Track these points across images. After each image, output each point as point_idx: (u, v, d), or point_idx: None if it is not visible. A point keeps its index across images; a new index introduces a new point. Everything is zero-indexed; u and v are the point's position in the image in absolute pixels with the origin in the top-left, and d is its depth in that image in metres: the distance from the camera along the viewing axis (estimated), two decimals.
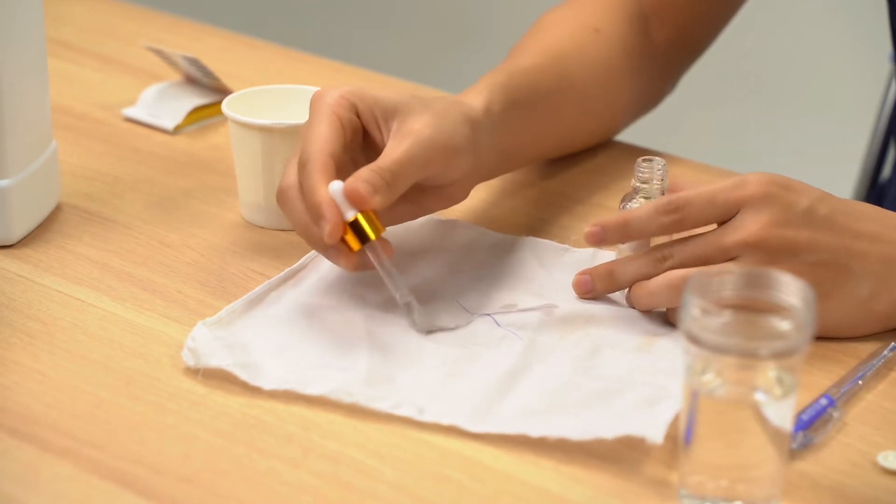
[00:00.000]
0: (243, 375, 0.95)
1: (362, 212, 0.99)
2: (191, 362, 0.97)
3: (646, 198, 1.05)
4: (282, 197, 1.02)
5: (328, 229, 0.98)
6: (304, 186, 0.99)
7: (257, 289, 1.05)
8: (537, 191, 1.22)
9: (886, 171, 1.69)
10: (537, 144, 1.19)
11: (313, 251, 1.10)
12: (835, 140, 2.49)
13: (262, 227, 1.16)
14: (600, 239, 1.01)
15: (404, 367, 0.97)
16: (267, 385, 0.95)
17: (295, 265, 1.09)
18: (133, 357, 0.99)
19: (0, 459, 0.89)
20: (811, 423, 0.92)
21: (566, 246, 1.13)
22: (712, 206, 0.99)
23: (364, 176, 0.98)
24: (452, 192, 1.06)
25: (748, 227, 0.97)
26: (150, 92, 1.37)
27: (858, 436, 0.92)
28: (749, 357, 0.81)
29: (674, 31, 1.25)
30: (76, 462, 0.89)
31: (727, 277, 0.84)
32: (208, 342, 0.98)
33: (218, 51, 1.49)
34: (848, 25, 2.55)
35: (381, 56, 2.84)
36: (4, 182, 1.11)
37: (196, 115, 1.34)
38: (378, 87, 1.05)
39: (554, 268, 1.10)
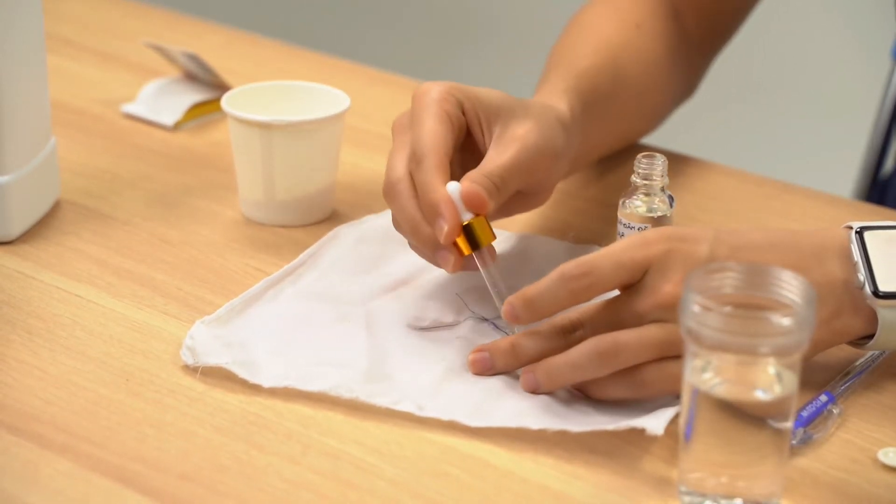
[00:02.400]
0: (242, 373, 0.95)
1: (476, 216, 0.98)
2: (189, 361, 0.97)
3: (646, 194, 1.05)
4: (391, 191, 0.99)
5: (447, 229, 0.96)
6: (419, 183, 0.97)
7: (256, 286, 1.05)
8: None
9: (888, 166, 1.69)
10: (605, 143, 1.19)
11: (312, 248, 1.10)
12: (835, 136, 2.49)
13: (262, 224, 1.16)
14: (514, 318, 0.95)
15: (404, 364, 0.97)
16: (266, 382, 0.95)
17: (294, 262, 1.08)
18: (132, 354, 0.99)
19: None
20: (811, 420, 0.92)
21: (566, 242, 1.13)
22: (621, 267, 0.93)
23: (477, 180, 0.97)
24: (539, 198, 1.05)
25: (659, 288, 0.93)
26: (150, 88, 1.37)
27: (859, 432, 0.92)
28: (749, 354, 0.81)
29: (704, 21, 1.26)
30: (75, 459, 0.89)
31: (728, 274, 0.84)
32: (207, 340, 0.98)
33: (217, 47, 1.49)
34: (848, 21, 2.55)
35: (382, 52, 2.84)
36: (4, 178, 1.11)
37: (195, 111, 1.34)
38: (475, 86, 1.03)
39: (554, 265, 1.09)
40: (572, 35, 1.21)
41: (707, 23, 1.26)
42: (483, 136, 1.02)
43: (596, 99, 1.13)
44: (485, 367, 0.96)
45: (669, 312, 0.92)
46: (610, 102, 1.16)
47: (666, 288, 0.92)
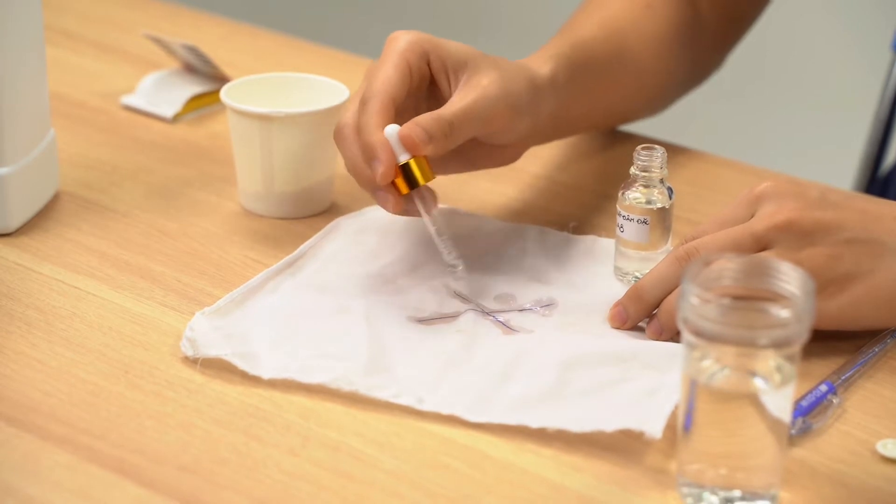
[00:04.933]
0: (242, 365, 0.95)
1: (415, 157, 1.00)
2: (189, 352, 0.97)
3: (645, 186, 1.05)
4: (338, 134, 1.03)
5: (381, 171, 0.99)
6: (361, 126, 1.01)
7: (256, 278, 1.05)
8: (537, 179, 1.22)
9: (889, 161, 1.69)
10: (592, 115, 1.20)
11: (311, 240, 1.10)
12: (835, 129, 2.49)
13: (261, 216, 1.16)
14: (623, 319, 1.00)
15: (404, 357, 0.97)
16: (266, 374, 0.95)
17: (294, 254, 1.08)
18: (131, 345, 0.99)
19: None
20: (811, 410, 0.92)
21: (565, 233, 1.13)
22: (727, 221, 0.99)
23: (422, 122, 1.00)
24: (505, 153, 1.08)
25: (775, 212, 0.97)
26: (149, 80, 1.37)
27: (858, 424, 0.92)
28: (748, 345, 0.81)
29: (721, 7, 1.26)
30: (75, 450, 0.89)
31: (727, 266, 0.84)
32: (207, 332, 0.98)
33: (217, 39, 1.49)
34: (848, 14, 2.55)
35: (382, 44, 2.83)
36: (3, 170, 1.11)
37: (195, 103, 1.34)
38: (448, 39, 1.06)
39: (553, 256, 1.10)
40: (583, 10, 1.23)
41: (722, 9, 1.26)
42: (449, 86, 1.05)
43: (589, 69, 1.14)
44: (621, 319, 1.00)
45: (786, 236, 0.95)
46: (605, 75, 1.17)
47: (781, 212, 0.96)
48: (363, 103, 1.01)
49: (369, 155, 1.00)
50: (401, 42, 1.04)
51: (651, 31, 1.21)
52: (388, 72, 1.02)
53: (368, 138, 1.00)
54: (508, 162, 1.09)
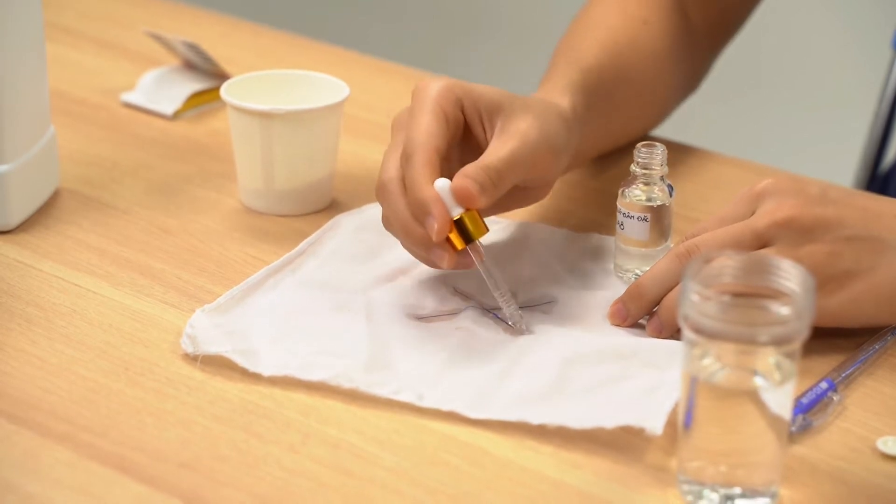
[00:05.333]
0: (242, 362, 0.95)
1: (467, 211, 0.97)
2: (190, 350, 0.97)
3: (646, 184, 1.05)
4: (382, 191, 0.99)
5: (437, 227, 0.96)
6: (408, 181, 0.97)
7: (256, 274, 1.05)
8: None
9: (889, 159, 1.69)
10: (604, 141, 1.19)
11: (312, 237, 1.10)
12: (835, 127, 2.49)
13: (261, 213, 1.16)
14: (623, 317, 1.00)
15: (404, 354, 0.97)
16: (266, 371, 0.95)
17: (294, 251, 1.08)
18: (132, 343, 0.99)
19: None
20: (811, 407, 0.92)
21: (565, 230, 1.13)
22: (726, 218, 0.98)
23: (472, 174, 0.97)
24: (538, 193, 1.05)
25: (776, 210, 0.97)
26: (149, 77, 1.37)
27: (858, 421, 0.92)
28: (748, 343, 0.81)
29: (710, 15, 1.26)
30: (75, 447, 0.89)
31: (727, 263, 0.84)
32: (207, 329, 0.98)
33: (217, 36, 1.49)
34: (848, 11, 2.55)
35: (382, 42, 2.83)
36: (3, 167, 1.11)
37: (195, 100, 1.34)
38: (475, 83, 1.03)
39: (553, 253, 1.10)
40: (578, 30, 1.21)
41: (713, 17, 1.26)
42: (484, 132, 1.02)
43: (600, 96, 1.13)
44: (621, 316, 1.00)
45: (786, 232, 0.95)
46: (613, 99, 1.16)
47: (781, 209, 0.96)
48: (407, 158, 0.98)
49: (421, 211, 0.96)
50: (432, 90, 1.00)
51: (650, 49, 1.21)
52: (427, 122, 0.99)
53: (420, 194, 0.96)
54: (539, 200, 1.06)
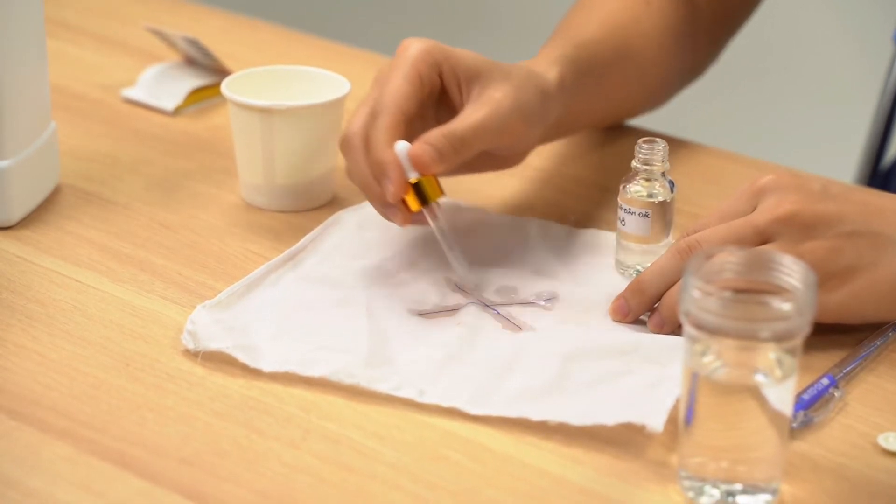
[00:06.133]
0: (243, 358, 0.95)
1: (425, 175, 0.99)
2: (191, 345, 0.97)
3: (647, 179, 1.05)
4: (346, 144, 1.02)
5: (392, 190, 0.98)
6: (371, 141, 1.00)
7: (257, 270, 1.05)
8: (537, 172, 1.22)
9: (890, 155, 1.68)
10: (595, 114, 1.20)
11: (313, 233, 1.10)
12: (836, 122, 2.49)
13: (262, 209, 1.16)
14: (625, 312, 1.00)
15: (405, 350, 0.97)
16: (267, 367, 0.95)
17: (294, 247, 1.08)
18: (132, 338, 0.99)
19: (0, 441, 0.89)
20: (812, 403, 0.92)
21: (567, 226, 1.13)
22: (727, 214, 0.98)
23: (433, 140, 0.99)
24: (510, 159, 1.07)
25: (777, 205, 0.97)
26: (150, 73, 1.36)
27: (859, 417, 0.92)
28: (749, 339, 0.81)
29: (717, 2, 1.26)
30: (76, 443, 0.89)
31: (728, 259, 0.84)
32: (208, 325, 0.98)
33: (218, 32, 1.48)
34: (849, 6, 2.54)
35: (383, 37, 2.83)
36: (3, 163, 1.11)
37: (196, 96, 1.34)
38: (460, 48, 1.04)
39: (554, 249, 1.10)
40: (578, 9, 1.22)
41: (718, 5, 1.26)
42: (461, 96, 1.04)
43: (593, 69, 1.13)
44: (623, 312, 1.00)
45: (787, 228, 0.95)
46: (609, 74, 1.16)
47: (782, 205, 0.96)
48: (373, 116, 1.00)
49: (379, 172, 0.99)
50: (412, 51, 1.02)
51: (651, 28, 1.21)
52: (399, 84, 1.01)
53: (379, 156, 0.99)
54: (512, 166, 1.09)
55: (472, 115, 1.01)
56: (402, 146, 0.99)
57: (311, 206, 1.16)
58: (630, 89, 1.21)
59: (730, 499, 0.84)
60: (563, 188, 1.19)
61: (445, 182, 1.16)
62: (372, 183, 1.00)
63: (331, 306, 1.02)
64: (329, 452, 0.88)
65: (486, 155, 1.05)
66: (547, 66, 1.09)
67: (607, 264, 1.08)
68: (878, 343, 0.98)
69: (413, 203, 1.00)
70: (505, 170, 1.09)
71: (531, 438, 0.90)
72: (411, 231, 1.09)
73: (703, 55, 1.28)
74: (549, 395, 0.92)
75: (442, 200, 1.14)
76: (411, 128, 1.01)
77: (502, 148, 1.05)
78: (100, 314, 1.01)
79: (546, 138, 1.12)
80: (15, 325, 1.00)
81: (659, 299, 0.99)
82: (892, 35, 1.67)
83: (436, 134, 0.99)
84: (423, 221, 1.02)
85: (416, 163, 0.99)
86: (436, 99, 1.05)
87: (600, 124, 1.24)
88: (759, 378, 0.83)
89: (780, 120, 2.62)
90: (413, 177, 0.99)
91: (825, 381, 0.93)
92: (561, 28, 1.19)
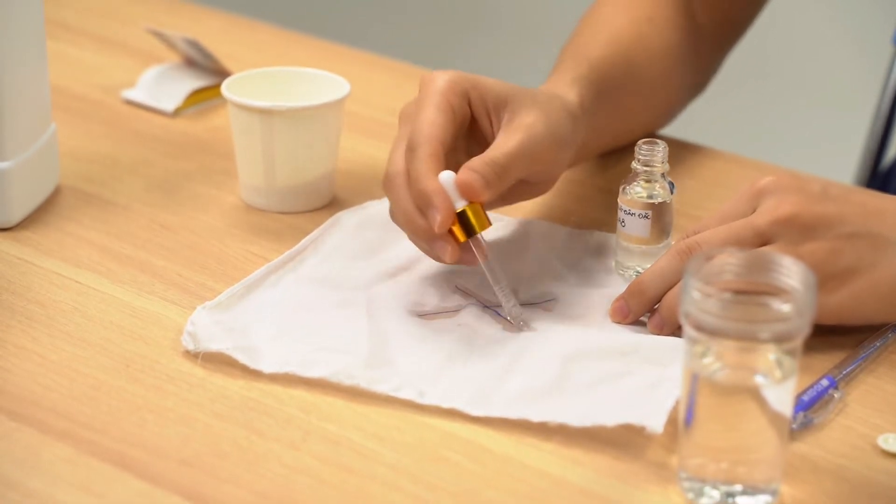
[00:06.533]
0: (243, 359, 0.95)
1: (471, 204, 0.98)
2: (191, 347, 0.97)
3: (647, 181, 1.05)
4: (389, 183, 1.00)
5: (440, 219, 0.96)
6: (412, 173, 0.97)
7: (257, 272, 1.05)
8: None
9: (889, 156, 1.69)
10: (609, 135, 1.19)
11: (313, 234, 1.10)
12: (836, 125, 2.49)
13: (262, 210, 1.16)
14: (625, 314, 1.00)
15: (405, 351, 0.97)
16: (267, 368, 0.95)
17: (295, 248, 1.08)
18: (132, 340, 0.99)
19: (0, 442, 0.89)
20: (812, 404, 0.92)
21: (567, 228, 1.13)
22: (727, 216, 0.98)
23: (477, 168, 0.97)
24: (541, 185, 1.05)
25: (777, 207, 0.96)
26: (150, 74, 1.36)
27: (859, 418, 0.92)
28: (749, 340, 0.81)
29: (716, 16, 1.26)
30: (76, 444, 0.89)
31: (728, 260, 0.84)
32: (208, 326, 0.98)
33: (218, 33, 1.49)
34: (849, 8, 2.55)
35: (383, 38, 2.83)
36: (4, 164, 1.11)
37: (196, 97, 1.34)
38: (483, 76, 1.03)
39: (554, 250, 1.10)
40: (585, 29, 1.21)
41: (719, 17, 1.26)
42: (491, 125, 1.02)
43: (607, 90, 1.13)
44: (623, 313, 1.00)
45: (787, 230, 0.95)
46: (620, 94, 1.16)
47: (782, 206, 0.96)
48: (411, 150, 0.98)
49: (425, 203, 0.97)
50: (439, 83, 1.01)
51: (656, 46, 1.21)
52: (432, 115, 0.99)
53: (423, 186, 0.96)
54: (543, 193, 1.06)
55: (507, 142, 0.99)
56: (446, 175, 0.97)
57: (311, 207, 1.16)
58: (638, 109, 1.21)
59: (730, 500, 0.84)
60: (563, 190, 1.19)
61: None
62: (417, 218, 0.98)
63: (331, 307, 1.02)
64: (329, 454, 0.89)
65: (521, 183, 1.03)
66: (566, 89, 1.08)
67: (607, 266, 1.08)
68: (878, 344, 0.98)
69: (460, 234, 0.98)
70: (537, 197, 1.07)
71: (531, 440, 0.90)
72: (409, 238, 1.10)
73: (706, 69, 1.28)
74: (549, 396, 0.92)
75: None
76: (446, 162, 0.99)
77: (538, 173, 1.03)
78: (100, 315, 1.01)
79: (572, 162, 1.11)
80: (15, 327, 1.00)
81: (659, 301, 0.99)
82: (892, 38, 1.67)
83: (478, 162, 0.98)
84: (469, 257, 0.99)
85: (466, 190, 0.97)
86: (466, 130, 1.03)
87: (615, 145, 1.22)
88: (759, 379, 0.83)
89: (779, 121, 2.62)
90: (460, 206, 0.97)
91: (825, 383, 0.93)
92: (570, 47, 1.18)
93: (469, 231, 0.98)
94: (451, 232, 0.98)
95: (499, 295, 1.00)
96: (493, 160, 0.98)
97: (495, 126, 1.02)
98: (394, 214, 1.01)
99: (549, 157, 1.02)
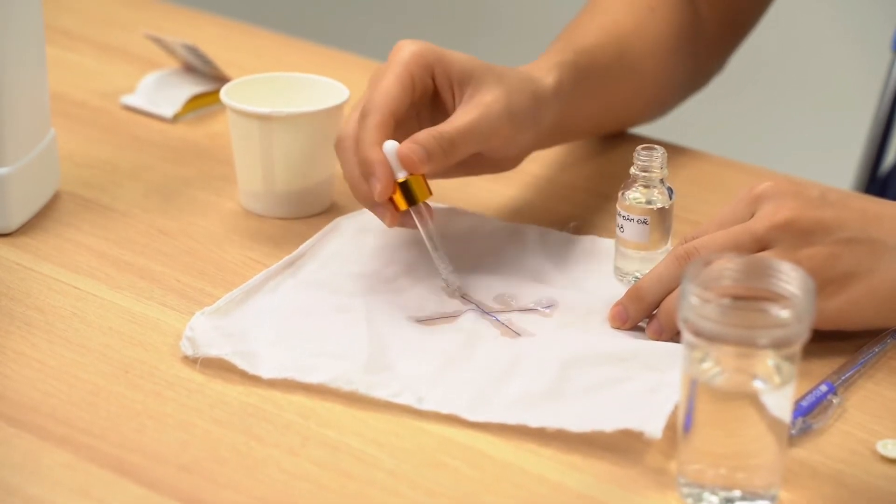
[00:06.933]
0: (242, 364, 0.95)
1: (413, 174, 1.00)
2: (189, 352, 0.97)
3: (645, 186, 1.05)
4: (338, 146, 1.03)
5: (378, 189, 0.99)
6: (359, 141, 1.00)
7: (256, 277, 1.05)
8: (537, 179, 1.22)
9: (888, 161, 1.69)
10: (593, 121, 1.20)
11: (312, 239, 1.10)
12: (835, 129, 2.49)
13: (261, 216, 1.16)
14: (623, 319, 1.00)
15: (404, 356, 0.97)
16: (266, 374, 0.95)
17: (293, 253, 1.08)
18: (131, 345, 0.99)
19: None
20: (811, 410, 0.92)
21: (565, 233, 1.13)
22: (726, 221, 0.99)
23: (421, 140, 1.00)
24: (504, 163, 1.08)
25: (775, 212, 0.97)
26: (149, 80, 1.37)
27: (858, 424, 0.92)
28: (748, 346, 0.81)
29: (721, 11, 1.26)
30: (75, 450, 0.89)
31: (727, 266, 0.84)
32: (207, 331, 0.98)
33: (217, 39, 1.49)
34: (848, 13, 2.55)
35: (382, 44, 2.83)
36: (3, 170, 1.11)
37: (195, 103, 1.34)
38: (453, 50, 1.05)
39: (553, 256, 1.10)
40: (584, 14, 1.22)
41: (724, 14, 1.26)
42: (453, 99, 1.04)
43: (593, 75, 1.14)
44: (621, 319, 1.00)
45: (785, 235, 0.95)
46: (609, 81, 1.16)
47: (780, 212, 0.96)
48: (363, 116, 1.01)
49: (367, 171, 1.00)
50: (405, 53, 1.03)
51: (653, 35, 1.21)
52: (389, 84, 1.01)
53: (366, 154, 1.00)
54: (507, 169, 1.09)
55: (461, 118, 1.02)
56: (390, 145, 1.00)
57: (309, 212, 1.16)
58: (629, 97, 1.21)
59: None
60: (561, 195, 1.19)
61: (445, 187, 1.16)
62: (360, 183, 1.01)
63: (330, 313, 1.02)
64: (328, 459, 0.89)
65: (479, 157, 1.05)
66: (545, 71, 1.09)
67: (606, 271, 1.08)
68: (877, 350, 0.98)
69: (401, 202, 1.01)
70: (499, 173, 1.10)
71: (530, 445, 0.90)
72: (410, 237, 1.10)
73: (706, 64, 1.29)
74: (547, 401, 0.92)
75: (441, 206, 1.14)
76: (404, 129, 1.02)
77: (493, 151, 1.05)
78: (99, 321, 1.01)
79: (542, 143, 1.13)
80: (14, 332, 1.00)
81: (657, 306, 0.99)
82: (891, 43, 1.67)
83: (425, 134, 1.00)
84: (411, 223, 1.03)
85: (405, 161, 1.00)
86: (429, 101, 1.05)
87: (600, 132, 1.24)
88: (758, 385, 0.83)
89: (778, 126, 2.62)
90: (401, 176, 1.00)
91: (824, 388, 0.93)
92: (564, 33, 1.19)
93: (410, 200, 1.01)
94: (391, 199, 1.01)
95: (436, 262, 1.02)
96: (440, 134, 1.00)
97: (457, 100, 1.04)
98: (344, 176, 1.04)
99: (504, 135, 1.04)
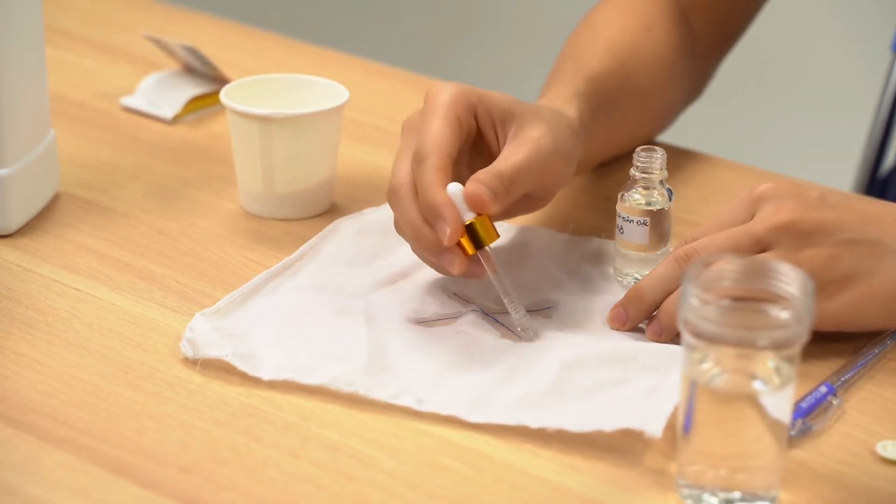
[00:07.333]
0: (242, 365, 0.95)
1: (478, 216, 0.97)
2: (189, 353, 0.97)
3: (645, 188, 1.05)
4: (394, 195, 0.99)
5: (449, 232, 0.95)
6: (420, 185, 0.97)
7: (256, 278, 1.05)
8: None
9: (888, 162, 1.69)
10: (605, 149, 1.19)
11: (312, 241, 1.10)
12: (835, 130, 2.49)
13: (261, 217, 1.16)
14: (623, 320, 1.00)
15: (404, 357, 0.97)
16: (266, 375, 0.95)
17: (293, 255, 1.08)
18: (131, 346, 0.99)
19: None
20: (810, 411, 0.92)
21: (565, 234, 1.13)
22: (726, 222, 0.98)
23: (484, 180, 0.97)
24: (542, 200, 1.05)
25: (775, 213, 0.96)
26: (149, 81, 1.37)
27: (858, 425, 0.92)
28: (748, 347, 0.81)
29: (712, 23, 1.26)
30: (75, 451, 0.89)
31: (727, 267, 0.84)
32: (207, 332, 0.98)
33: (217, 40, 1.49)
34: (848, 14, 2.55)
35: (382, 45, 2.83)
36: (3, 171, 1.11)
37: (195, 104, 1.34)
38: (488, 90, 1.03)
39: (553, 257, 1.10)
40: (582, 37, 1.21)
41: (715, 25, 1.26)
42: (496, 138, 1.02)
43: (604, 104, 1.13)
44: (621, 320, 1.00)
45: (786, 236, 0.95)
46: (617, 107, 1.16)
47: (780, 213, 0.96)
48: (418, 161, 0.97)
49: (433, 215, 0.96)
50: (445, 95, 1.00)
51: (653, 56, 1.21)
52: (439, 127, 0.98)
53: (432, 198, 0.96)
54: (541, 207, 1.06)
55: (515, 155, 0.99)
56: (454, 187, 0.97)
57: (309, 214, 1.16)
58: (635, 120, 1.21)
59: None
60: (561, 196, 1.19)
61: None
62: (424, 230, 0.97)
63: (330, 314, 1.02)
64: (328, 460, 0.89)
65: (524, 197, 1.02)
66: (564, 104, 1.08)
67: (606, 273, 1.08)
68: (877, 351, 0.98)
69: (468, 247, 0.97)
70: (534, 212, 1.07)
71: (530, 446, 0.90)
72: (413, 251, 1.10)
73: (701, 76, 1.29)
74: (547, 402, 0.92)
75: None
76: (452, 173, 0.99)
77: (542, 187, 1.03)
78: (99, 322, 1.01)
79: (572, 177, 1.10)
80: (14, 334, 1.00)
81: (657, 307, 0.99)
82: (891, 44, 1.67)
83: (486, 174, 0.97)
84: (477, 270, 0.99)
85: (473, 202, 0.96)
86: (470, 143, 1.03)
87: (608, 157, 1.22)
88: (758, 386, 0.83)
89: (778, 128, 2.62)
90: (468, 218, 0.97)
91: (823, 389, 0.94)
92: (566, 57, 1.18)
93: (477, 244, 0.97)
94: (458, 244, 0.97)
95: (508, 307, 0.99)
96: (500, 172, 0.98)
97: (501, 140, 1.02)
98: (399, 226, 1.00)
99: (554, 171, 1.02)
